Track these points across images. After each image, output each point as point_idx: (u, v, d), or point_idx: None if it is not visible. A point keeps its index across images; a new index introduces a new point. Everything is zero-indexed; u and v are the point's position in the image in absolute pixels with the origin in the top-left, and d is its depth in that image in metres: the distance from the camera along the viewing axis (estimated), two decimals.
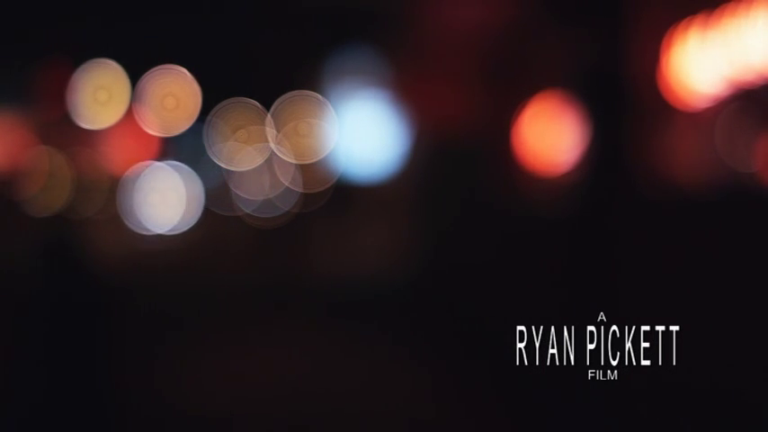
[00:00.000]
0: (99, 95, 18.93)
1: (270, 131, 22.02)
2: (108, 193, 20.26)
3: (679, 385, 5.96)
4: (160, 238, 20.51)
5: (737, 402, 5.45)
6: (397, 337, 9.80)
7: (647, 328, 6.49)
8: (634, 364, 6.50)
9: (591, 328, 7.21)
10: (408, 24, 12.44)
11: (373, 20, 13.89)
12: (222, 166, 23.14)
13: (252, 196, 22.06)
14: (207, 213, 21.86)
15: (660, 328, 6.29)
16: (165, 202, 21.40)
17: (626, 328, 6.80)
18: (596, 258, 7.33)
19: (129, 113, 20.55)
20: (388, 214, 14.31)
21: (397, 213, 13.54)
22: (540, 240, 8.42)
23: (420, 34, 12.19)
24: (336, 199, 18.06)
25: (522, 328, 8.18)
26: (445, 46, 11.58)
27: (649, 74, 7.80)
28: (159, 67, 20.51)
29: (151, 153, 22.23)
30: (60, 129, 16.32)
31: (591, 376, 6.88)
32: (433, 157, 11.96)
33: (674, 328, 6.12)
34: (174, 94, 20.87)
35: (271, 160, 22.23)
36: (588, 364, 6.99)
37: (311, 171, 20.30)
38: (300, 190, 20.65)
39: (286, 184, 21.37)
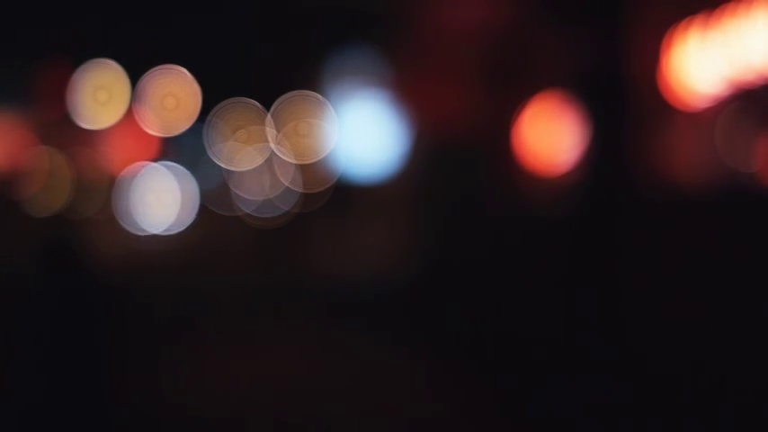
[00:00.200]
0: (99, 95, 18.95)
1: (270, 131, 22.03)
2: (108, 193, 20.28)
3: (679, 384, 5.96)
4: (157, 238, 20.53)
5: (736, 400, 5.45)
6: (396, 336, 9.80)
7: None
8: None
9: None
10: (408, 24, 12.44)
11: (373, 20, 13.90)
12: (222, 166, 23.17)
13: (252, 196, 22.07)
14: (207, 213, 21.88)
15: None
16: (160, 202, 21.42)
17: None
18: (596, 258, 7.34)
19: (129, 113, 20.57)
20: (387, 214, 14.31)
21: (397, 213, 13.55)
22: (540, 240, 8.42)
23: (420, 34, 12.19)
24: (336, 199, 18.07)
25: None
26: (445, 46, 11.58)
27: (649, 74, 7.81)
28: (159, 67, 20.54)
29: (151, 153, 22.25)
30: (60, 129, 16.33)
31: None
32: (433, 157, 11.97)
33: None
34: (174, 94, 20.89)
35: (271, 160, 22.25)
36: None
37: (311, 171, 20.31)
38: (300, 190, 20.67)
39: (286, 184, 21.38)
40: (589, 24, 7.78)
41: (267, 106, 21.55)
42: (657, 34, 7.84)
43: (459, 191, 10.81)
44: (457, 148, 11.14)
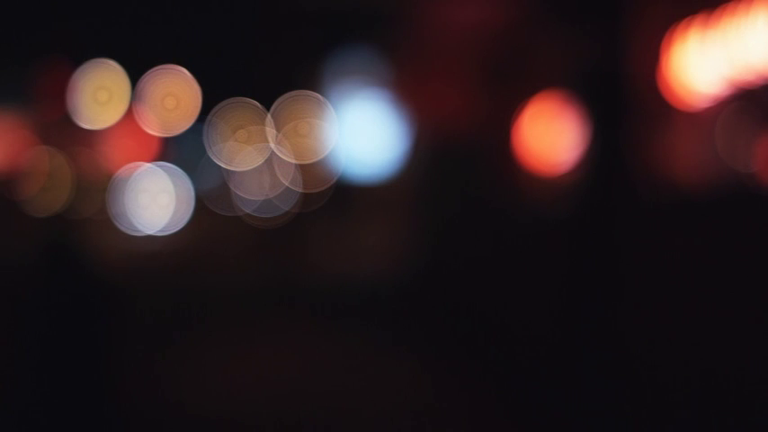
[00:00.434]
0: (99, 95, 18.95)
1: (270, 131, 22.04)
2: (107, 193, 20.29)
3: (679, 385, 5.96)
4: (153, 238, 20.53)
5: (737, 400, 5.45)
6: (396, 336, 9.81)
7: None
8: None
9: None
10: (408, 24, 12.44)
11: (373, 20, 13.90)
12: (222, 166, 23.17)
13: (252, 196, 22.07)
14: (206, 213, 21.88)
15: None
16: (155, 203, 21.43)
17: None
18: (596, 258, 7.34)
19: (129, 113, 20.57)
20: (387, 214, 14.31)
21: (397, 213, 13.55)
22: (540, 240, 8.42)
23: (420, 34, 12.19)
24: (336, 199, 18.07)
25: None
26: (445, 46, 11.58)
27: (649, 74, 7.80)
28: (159, 67, 20.54)
29: (151, 153, 22.25)
30: (60, 129, 16.32)
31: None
32: (433, 157, 11.96)
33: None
34: (174, 94, 20.89)
35: (271, 160, 22.25)
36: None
37: (311, 171, 20.31)
38: (300, 190, 20.67)
39: (286, 184, 21.38)
40: (589, 24, 7.77)
41: (267, 106, 21.55)
42: (657, 34, 7.83)
43: (460, 191, 10.81)
44: (457, 148, 11.14)
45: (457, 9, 11.37)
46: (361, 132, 15.85)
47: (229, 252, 17.92)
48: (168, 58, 20.00)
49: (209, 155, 22.93)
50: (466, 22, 11.24)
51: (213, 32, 17.50)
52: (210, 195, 22.71)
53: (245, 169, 22.90)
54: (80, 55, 17.53)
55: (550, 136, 9.73)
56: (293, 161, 21.25)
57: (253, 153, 22.87)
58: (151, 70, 20.47)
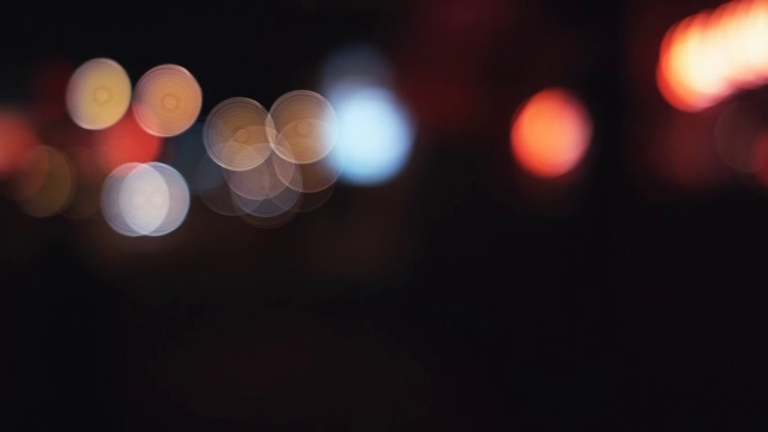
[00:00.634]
0: (99, 95, 18.95)
1: (270, 131, 22.04)
2: (104, 193, 20.29)
3: (678, 385, 5.96)
4: (149, 238, 20.53)
5: (737, 400, 5.45)
6: (396, 335, 9.81)
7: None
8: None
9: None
10: (408, 24, 12.44)
11: (373, 20, 13.89)
12: (222, 165, 23.17)
13: (252, 196, 22.07)
14: (206, 213, 21.87)
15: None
16: (149, 203, 21.44)
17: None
18: (596, 258, 7.34)
19: (129, 113, 20.57)
20: (387, 214, 14.31)
21: (397, 213, 13.55)
22: (540, 240, 8.42)
23: (420, 34, 12.19)
24: (336, 199, 18.07)
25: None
26: (445, 46, 11.58)
27: (649, 74, 7.80)
28: (159, 67, 20.55)
29: (151, 153, 22.25)
30: (60, 129, 16.31)
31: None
32: (432, 157, 11.96)
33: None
34: (174, 94, 20.90)
35: (271, 160, 22.25)
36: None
37: (311, 171, 20.31)
38: (300, 190, 20.67)
39: (286, 184, 21.38)
40: (589, 24, 7.77)
41: (267, 106, 21.56)
42: (657, 34, 7.83)
43: (459, 191, 10.81)
44: (457, 148, 11.14)
45: (457, 9, 11.36)
46: (361, 132, 15.85)
47: (230, 252, 17.92)
48: (168, 58, 20.01)
49: (210, 155, 22.94)
50: (466, 22, 11.24)
51: (213, 32, 17.50)
52: (210, 195, 22.71)
53: (244, 169, 22.90)
54: (80, 55, 17.53)
55: (550, 136, 9.73)
56: (293, 161, 21.26)
57: (253, 153, 22.88)
58: (151, 70, 20.48)
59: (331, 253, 16.34)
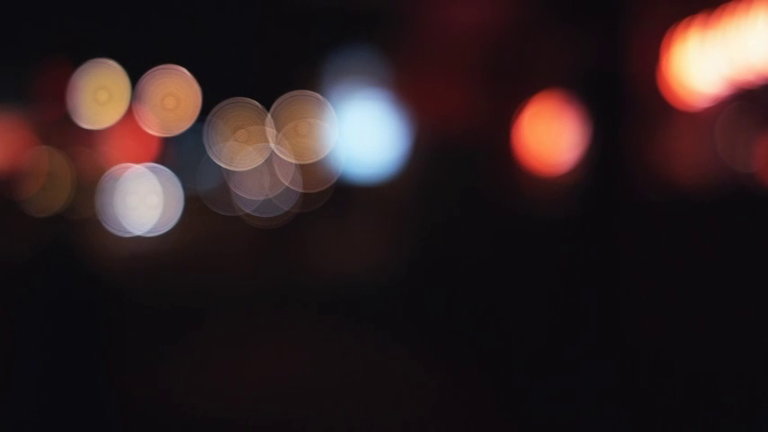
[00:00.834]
0: (99, 95, 18.95)
1: (270, 131, 22.04)
2: (99, 193, 20.29)
3: (679, 383, 5.96)
4: (145, 238, 20.52)
5: (737, 400, 5.45)
6: (396, 335, 9.81)
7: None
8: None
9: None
10: (408, 24, 12.44)
11: (373, 20, 13.89)
12: (222, 166, 23.18)
13: (252, 196, 22.07)
14: (207, 213, 21.88)
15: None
16: (144, 204, 21.44)
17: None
18: (596, 258, 7.34)
19: (129, 113, 20.57)
20: (387, 214, 14.31)
21: (397, 213, 13.55)
22: (540, 240, 8.42)
23: (420, 34, 12.19)
24: (336, 199, 18.07)
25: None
26: (445, 46, 11.58)
27: (649, 74, 7.80)
28: (159, 67, 20.54)
29: (151, 153, 22.25)
30: (60, 129, 16.31)
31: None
32: (433, 156, 11.96)
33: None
34: (174, 94, 20.90)
35: (271, 160, 22.25)
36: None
37: (311, 171, 20.31)
38: (300, 190, 20.67)
39: (286, 184, 21.38)
40: (589, 24, 7.77)
41: (267, 106, 21.56)
42: (657, 34, 7.83)
43: (459, 191, 10.81)
44: (457, 147, 11.14)
45: (457, 9, 11.36)
46: (361, 132, 15.85)
47: (230, 252, 17.92)
48: (168, 58, 20.01)
49: (210, 155, 22.95)
50: (466, 22, 11.24)
51: (213, 32, 17.51)
52: (211, 195, 22.72)
53: (245, 169, 22.91)
54: (80, 55, 17.53)
55: (550, 136, 9.72)
56: (293, 161, 21.26)
57: (253, 153, 22.89)
58: (151, 70, 20.48)
59: (331, 253, 16.34)
